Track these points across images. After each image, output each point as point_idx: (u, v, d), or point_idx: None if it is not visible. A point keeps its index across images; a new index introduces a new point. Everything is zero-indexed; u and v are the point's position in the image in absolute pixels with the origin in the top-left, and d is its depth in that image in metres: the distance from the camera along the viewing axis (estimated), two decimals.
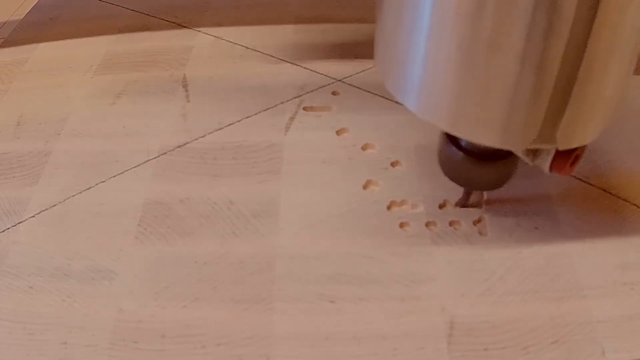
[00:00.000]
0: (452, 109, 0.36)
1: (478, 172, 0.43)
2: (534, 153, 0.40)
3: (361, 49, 0.68)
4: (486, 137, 0.37)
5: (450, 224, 0.48)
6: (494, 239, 0.47)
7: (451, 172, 0.45)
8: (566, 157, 0.39)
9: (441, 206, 0.49)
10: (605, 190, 0.50)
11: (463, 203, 0.49)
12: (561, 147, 0.37)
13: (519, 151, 0.40)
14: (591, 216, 0.48)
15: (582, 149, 0.39)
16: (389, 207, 0.50)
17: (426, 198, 0.50)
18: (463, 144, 0.43)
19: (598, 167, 0.52)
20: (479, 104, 0.35)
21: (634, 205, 0.49)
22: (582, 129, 0.36)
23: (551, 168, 0.39)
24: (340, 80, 0.63)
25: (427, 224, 0.48)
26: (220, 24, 0.73)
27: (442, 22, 0.34)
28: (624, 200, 0.49)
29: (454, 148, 0.43)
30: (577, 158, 0.39)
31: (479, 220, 0.48)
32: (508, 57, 0.33)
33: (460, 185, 0.46)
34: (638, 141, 0.55)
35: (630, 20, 0.32)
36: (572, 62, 0.32)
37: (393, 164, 0.53)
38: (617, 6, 0.31)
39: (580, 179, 0.51)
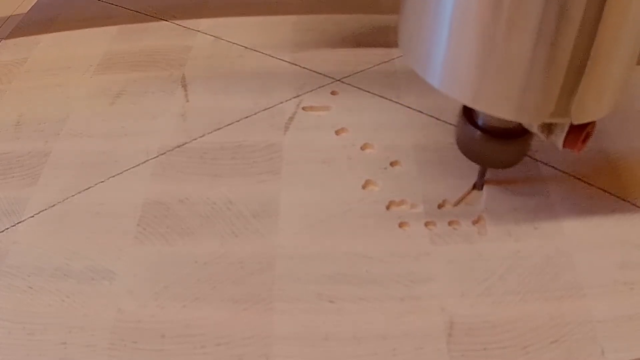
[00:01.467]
0: (474, 84, 0.39)
1: (495, 150, 0.45)
2: (549, 129, 0.42)
3: (360, 49, 0.68)
4: (506, 111, 0.39)
5: (450, 223, 0.48)
6: (494, 238, 0.47)
7: (468, 150, 0.47)
8: (578, 134, 0.41)
9: (440, 206, 0.49)
10: (605, 190, 0.50)
11: (479, 185, 0.50)
12: (575, 122, 0.39)
13: (534, 126, 0.42)
14: (591, 216, 0.48)
15: (592, 126, 0.41)
16: (388, 207, 0.50)
17: (425, 198, 0.50)
18: (480, 122, 0.45)
19: (598, 167, 0.52)
20: (499, 80, 0.38)
21: (634, 205, 0.49)
22: (594, 105, 0.38)
23: (564, 144, 0.41)
24: (339, 80, 0.63)
25: (427, 224, 0.48)
26: (219, 24, 0.73)
27: (464, 5, 0.36)
28: (624, 200, 0.49)
29: (471, 127, 0.45)
30: (587, 135, 0.41)
31: (478, 220, 0.48)
32: (525, 36, 0.35)
33: (477, 163, 0.48)
34: (638, 141, 0.55)
35: (638, 4, 0.34)
36: (585, 41, 0.35)
37: (392, 164, 0.53)
38: None
39: (580, 179, 0.51)
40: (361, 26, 0.71)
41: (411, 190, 0.51)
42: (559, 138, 0.41)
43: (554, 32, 0.34)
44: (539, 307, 0.42)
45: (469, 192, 0.49)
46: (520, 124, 0.43)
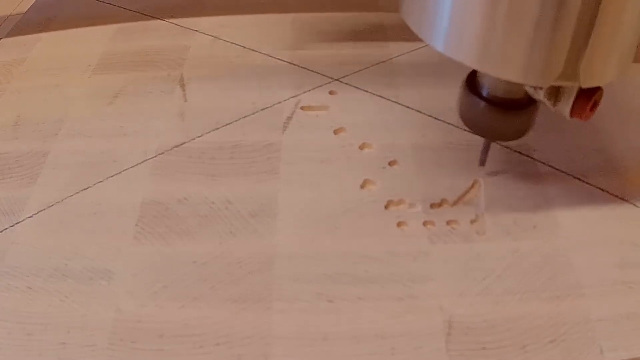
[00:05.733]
0: (479, 46, 0.38)
1: (499, 121, 0.44)
2: (556, 97, 0.42)
3: (358, 48, 0.68)
4: (512, 73, 0.39)
5: (448, 223, 0.48)
6: (492, 237, 0.47)
7: (472, 122, 0.46)
8: (586, 101, 0.41)
9: (439, 205, 0.49)
10: (604, 190, 0.50)
11: (482, 160, 0.50)
12: (584, 85, 0.39)
13: (541, 94, 0.42)
14: (590, 215, 0.48)
15: (599, 94, 0.41)
16: (386, 207, 0.50)
17: (424, 197, 0.50)
18: (484, 93, 0.44)
19: (597, 167, 0.52)
20: (505, 41, 0.37)
21: (634, 205, 0.49)
22: (602, 68, 0.38)
23: (572, 112, 0.41)
24: (337, 80, 0.63)
25: (425, 223, 0.48)
26: (217, 24, 0.73)
27: None
28: (623, 200, 0.49)
29: (475, 98, 0.44)
30: (595, 103, 0.41)
31: (476, 219, 0.48)
32: None
33: (481, 135, 0.47)
34: (638, 141, 0.55)
35: None
36: (592, 0, 0.34)
37: (390, 164, 0.53)
38: None
39: (579, 179, 0.51)
40: (359, 25, 0.71)
41: (410, 189, 0.51)
42: (566, 105, 0.41)
43: None
44: (538, 307, 0.42)
45: (467, 192, 0.49)
46: (526, 94, 0.43)
